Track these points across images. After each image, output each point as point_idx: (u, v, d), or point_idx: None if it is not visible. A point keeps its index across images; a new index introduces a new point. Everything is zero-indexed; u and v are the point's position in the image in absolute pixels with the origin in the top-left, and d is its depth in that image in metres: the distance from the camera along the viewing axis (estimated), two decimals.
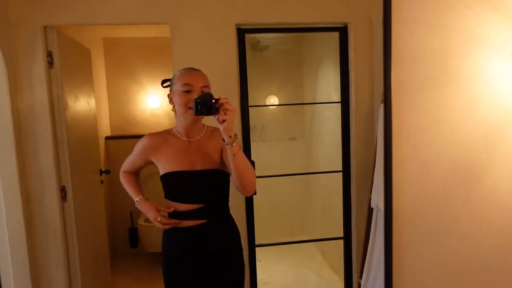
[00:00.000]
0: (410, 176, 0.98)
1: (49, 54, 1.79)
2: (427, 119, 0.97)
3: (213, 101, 1.20)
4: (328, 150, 2.66)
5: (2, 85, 1.65)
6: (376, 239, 1.75)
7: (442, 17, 0.96)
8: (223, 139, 1.22)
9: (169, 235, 1.40)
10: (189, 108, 1.29)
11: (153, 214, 1.38)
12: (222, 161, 1.38)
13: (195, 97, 1.26)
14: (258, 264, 2.10)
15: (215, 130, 1.41)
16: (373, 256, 1.76)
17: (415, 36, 0.96)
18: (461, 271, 1.06)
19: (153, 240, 2.82)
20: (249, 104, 1.97)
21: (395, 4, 0.94)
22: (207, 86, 1.34)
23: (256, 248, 2.05)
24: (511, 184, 1.00)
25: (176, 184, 1.37)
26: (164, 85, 1.45)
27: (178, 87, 1.33)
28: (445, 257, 1.03)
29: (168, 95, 1.39)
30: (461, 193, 1.00)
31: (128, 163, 1.48)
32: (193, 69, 1.38)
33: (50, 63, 1.79)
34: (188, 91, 1.31)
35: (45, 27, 1.76)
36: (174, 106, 1.37)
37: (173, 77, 1.39)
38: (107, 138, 3.08)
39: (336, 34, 2.00)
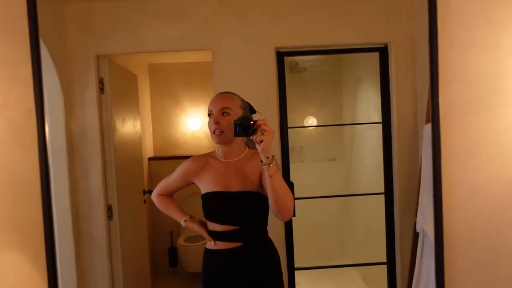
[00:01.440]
0: (461, 200, 0.93)
1: (101, 81, 1.92)
2: (478, 141, 0.93)
3: (251, 122, 1.23)
4: (368, 172, 2.59)
5: (58, 109, 1.78)
6: (422, 265, 1.66)
7: (491, 37, 0.93)
8: (261, 160, 1.23)
9: (208, 255, 1.42)
10: (213, 133, 1.34)
11: (201, 230, 1.43)
12: (261, 185, 1.39)
13: (215, 120, 1.31)
14: None
15: (256, 153, 1.42)
16: (420, 283, 1.67)
17: (462, 56, 0.93)
18: None
19: (192, 259, 2.84)
20: (288, 126, 1.98)
21: (441, 25, 0.93)
22: (227, 108, 1.35)
23: (296, 273, 2.01)
24: None
25: (211, 204, 1.40)
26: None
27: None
28: (499, 284, 0.96)
29: None
30: None
31: (165, 185, 1.52)
32: (221, 92, 1.43)
33: (101, 89, 1.92)
34: (210, 115, 1.36)
35: (98, 56, 1.90)
36: None
37: None
38: (150, 159, 3.19)
39: (376, 54, 1.99)
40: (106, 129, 1.92)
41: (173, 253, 3.15)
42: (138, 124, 2.46)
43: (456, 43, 0.91)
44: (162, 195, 1.53)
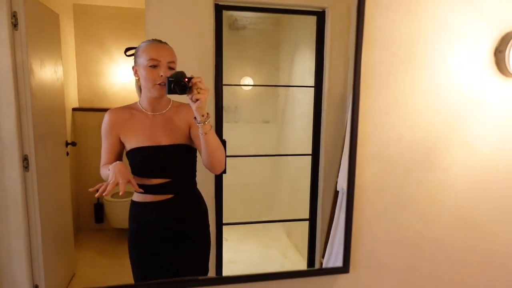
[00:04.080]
0: (372, 155, 1.02)
1: (14, 15, 1.69)
2: (391, 102, 1.01)
3: (186, 79, 1.19)
4: (299, 134, 2.70)
5: None
6: (339, 221, 1.81)
7: (415, 4, 0.99)
8: (195, 118, 1.22)
9: (136, 207, 1.40)
10: (157, 84, 1.27)
11: (122, 176, 1.28)
12: (189, 137, 1.38)
13: (161, 73, 1.25)
14: (225, 243, 2.13)
15: (181, 105, 1.41)
16: (336, 236, 1.82)
17: (386, 20, 0.98)
18: (414, 245, 1.13)
19: (119, 215, 2.78)
20: (223, 83, 1.95)
21: None
22: (173, 62, 1.33)
23: (224, 228, 2.07)
24: (463, 169, 1.06)
25: (142, 160, 1.36)
26: (128, 53, 1.42)
27: (143, 60, 1.31)
28: (400, 232, 1.09)
29: (133, 67, 1.36)
30: (419, 174, 1.06)
31: (104, 155, 1.42)
32: (160, 41, 1.36)
33: (15, 25, 1.70)
34: (154, 66, 1.29)
35: None
36: (138, 79, 1.35)
37: (138, 48, 1.36)
38: (74, 109, 2.97)
39: (314, 18, 2.01)
40: (20, 71, 1.73)
41: (99, 209, 3.04)
42: (60, 70, 2.25)
43: (381, 7, 0.95)
44: (107, 164, 1.42)
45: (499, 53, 1.00)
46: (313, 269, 1.93)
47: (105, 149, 1.41)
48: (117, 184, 1.26)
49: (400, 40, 0.99)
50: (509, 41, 1.10)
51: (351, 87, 1.90)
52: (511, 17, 1.05)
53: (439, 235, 1.13)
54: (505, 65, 0.97)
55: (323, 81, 1.98)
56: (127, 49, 1.40)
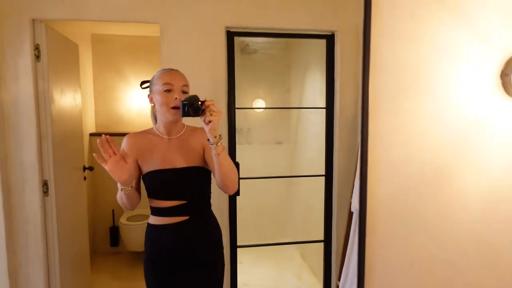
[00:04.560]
0: (383, 178, 1.03)
1: (37, 48, 1.78)
2: (399, 125, 1.03)
3: (200, 102, 1.23)
4: (312, 155, 2.70)
5: None
6: (354, 242, 1.79)
7: (417, 31, 1.02)
8: (208, 139, 1.25)
9: (152, 231, 1.41)
10: (172, 108, 1.32)
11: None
12: (204, 160, 1.41)
13: (176, 96, 1.30)
14: (239, 266, 2.12)
15: (195, 129, 1.45)
16: (351, 258, 1.79)
17: (390, 47, 1.01)
18: (428, 267, 1.11)
19: (134, 239, 2.80)
20: (236, 107, 1.99)
21: (374, 17, 0.99)
22: (186, 85, 1.38)
23: (238, 250, 2.07)
24: (475, 188, 1.06)
25: (158, 183, 1.39)
26: (143, 86, 1.47)
27: (158, 87, 1.35)
28: (413, 254, 1.08)
29: (148, 95, 1.41)
30: (429, 195, 1.06)
31: None
32: (172, 69, 1.41)
33: (37, 57, 1.78)
34: (168, 90, 1.34)
35: (33, 20, 1.75)
36: (154, 106, 1.40)
37: (152, 78, 1.42)
38: (91, 134, 3.05)
39: (323, 42, 2.05)
40: (42, 100, 1.80)
41: (114, 232, 3.08)
42: (78, 97, 2.33)
43: (385, 35, 0.98)
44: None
45: (505, 76, 1.01)
46: None
47: None
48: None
49: (405, 66, 1.02)
50: None
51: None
52: None
53: (453, 257, 1.12)
54: (511, 87, 0.99)
55: (335, 102, 2.00)
56: (143, 82, 1.46)
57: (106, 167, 1.20)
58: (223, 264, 1.50)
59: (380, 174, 1.00)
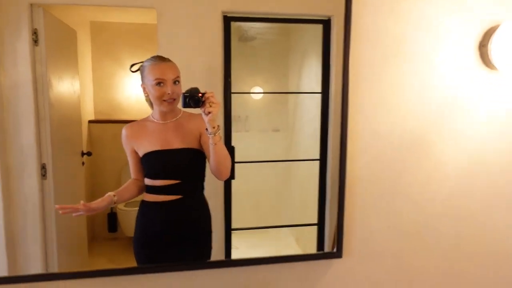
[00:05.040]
0: (365, 146, 1.05)
1: (34, 32, 1.80)
2: (381, 96, 1.05)
3: (200, 94, 1.28)
4: (308, 140, 2.72)
5: None
6: None
7: (399, 4, 1.03)
8: (206, 129, 1.29)
9: (145, 207, 1.45)
10: (164, 100, 1.36)
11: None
12: (200, 143, 1.44)
13: (168, 90, 1.34)
14: (235, 251, 2.15)
15: (192, 115, 1.48)
16: None
17: (373, 20, 1.03)
18: (407, 232, 1.14)
19: (132, 224, 2.83)
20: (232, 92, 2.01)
21: None
22: (178, 77, 1.41)
23: (233, 236, 2.09)
24: (455, 158, 1.09)
25: (153, 163, 1.42)
26: (133, 69, 1.50)
27: (150, 81, 1.38)
28: (393, 219, 1.11)
29: (141, 85, 1.44)
30: (411, 163, 1.08)
31: (131, 168, 1.51)
32: (163, 59, 1.43)
33: (35, 41, 1.80)
34: (160, 84, 1.37)
35: (31, 4, 1.77)
36: (147, 96, 1.43)
37: (143, 67, 1.44)
38: (90, 121, 3.07)
39: (320, 27, 2.05)
40: (40, 84, 1.82)
41: (112, 218, 3.11)
42: (76, 84, 2.35)
43: (368, 8, 1.00)
44: (135, 179, 1.50)
45: (482, 47, 1.03)
46: (308, 254, 2.02)
47: (129, 162, 1.50)
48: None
49: (387, 38, 1.04)
50: (491, 35, 1.12)
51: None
52: (494, 12, 1.08)
53: (431, 222, 1.14)
54: (488, 58, 1.00)
55: (330, 87, 2.01)
56: (132, 65, 1.50)
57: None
58: (210, 246, 1.54)
59: (361, 142, 1.02)
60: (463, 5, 1.04)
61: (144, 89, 1.41)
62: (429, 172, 1.11)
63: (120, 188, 1.45)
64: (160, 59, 1.42)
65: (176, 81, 1.40)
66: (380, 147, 1.06)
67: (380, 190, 1.07)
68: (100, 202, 1.30)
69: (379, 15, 1.02)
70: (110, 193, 1.38)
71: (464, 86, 1.09)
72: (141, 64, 1.45)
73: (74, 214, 1.29)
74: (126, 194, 1.41)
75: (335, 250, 1.78)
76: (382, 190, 1.06)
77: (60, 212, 1.29)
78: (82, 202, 1.30)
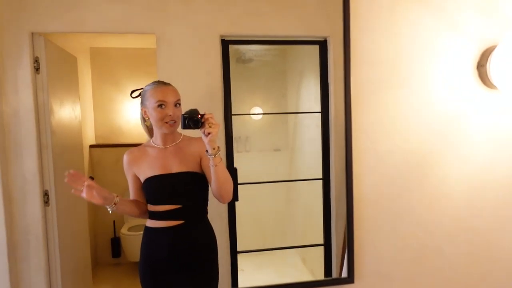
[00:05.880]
0: (368, 168, 1.06)
1: (36, 60, 1.82)
2: (382, 117, 1.06)
3: (199, 116, 1.29)
4: (309, 159, 2.72)
5: None
6: None
7: (396, 25, 1.06)
8: (207, 150, 1.29)
9: (149, 234, 1.44)
10: (166, 122, 1.37)
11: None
12: (200, 167, 1.45)
13: (170, 112, 1.35)
14: (241, 274, 2.12)
15: (192, 139, 1.49)
16: None
17: (371, 42, 1.05)
18: (415, 252, 1.13)
19: (135, 249, 2.80)
20: (232, 113, 2.02)
21: (354, 11, 1.03)
22: (179, 99, 1.43)
23: (239, 258, 2.07)
24: (458, 177, 1.08)
25: (154, 188, 1.42)
26: (134, 95, 1.52)
27: (151, 103, 1.40)
28: (400, 240, 1.10)
29: (142, 109, 1.46)
30: (415, 183, 1.08)
31: (131, 192, 1.52)
32: (164, 84, 1.45)
33: (37, 69, 1.82)
34: (162, 106, 1.39)
35: (32, 33, 1.80)
36: (148, 119, 1.45)
37: (144, 91, 1.46)
38: (91, 146, 3.08)
39: (316, 47, 2.09)
40: (41, 111, 1.83)
41: (116, 243, 3.08)
42: (77, 109, 2.37)
43: (366, 30, 1.02)
44: (136, 200, 1.51)
45: (481, 67, 1.04)
46: (319, 280, 2.01)
47: (129, 186, 1.51)
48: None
49: (386, 60, 1.05)
50: (488, 55, 1.14)
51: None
52: (489, 33, 1.09)
53: (440, 243, 1.13)
54: (487, 78, 1.01)
55: (329, 106, 2.03)
56: (133, 91, 1.51)
57: (84, 196, 1.25)
58: (217, 270, 1.52)
59: (365, 164, 1.03)
60: (459, 25, 1.07)
61: (145, 112, 1.42)
62: (434, 192, 1.11)
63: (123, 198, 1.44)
64: (161, 83, 1.44)
65: (177, 104, 1.41)
66: (384, 168, 1.07)
67: (386, 212, 1.06)
68: (104, 191, 1.25)
69: (377, 37, 1.04)
70: (115, 194, 1.37)
71: (465, 106, 1.11)
72: (141, 90, 1.47)
73: (73, 191, 1.23)
74: (127, 205, 1.39)
75: (344, 271, 1.76)
76: (388, 213, 1.05)
77: (66, 179, 1.24)
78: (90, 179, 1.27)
